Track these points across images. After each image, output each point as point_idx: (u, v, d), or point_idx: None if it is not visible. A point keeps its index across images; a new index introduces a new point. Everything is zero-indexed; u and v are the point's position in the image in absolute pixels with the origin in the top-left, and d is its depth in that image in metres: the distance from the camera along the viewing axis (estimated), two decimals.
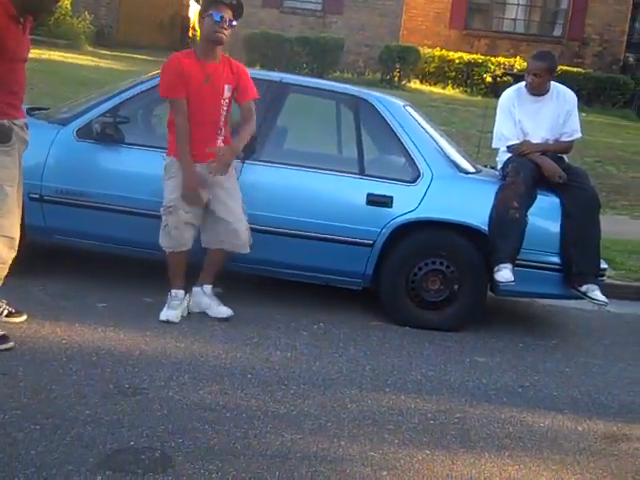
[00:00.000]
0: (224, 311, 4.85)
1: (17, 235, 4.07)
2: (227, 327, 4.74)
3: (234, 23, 4.72)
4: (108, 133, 5.05)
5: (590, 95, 18.61)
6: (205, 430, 3.38)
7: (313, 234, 5.13)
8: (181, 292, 4.84)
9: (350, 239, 5.15)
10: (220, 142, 4.76)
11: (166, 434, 3.29)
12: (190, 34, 27.10)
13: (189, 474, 2.99)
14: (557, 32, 21.11)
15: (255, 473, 3.07)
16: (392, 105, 5.52)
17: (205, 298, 4.91)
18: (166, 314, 4.73)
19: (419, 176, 5.22)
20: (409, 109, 5.67)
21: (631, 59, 22.15)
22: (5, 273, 4.07)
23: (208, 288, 4.94)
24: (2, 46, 3.84)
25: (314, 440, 3.43)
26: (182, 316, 4.77)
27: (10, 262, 4.06)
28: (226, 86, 4.73)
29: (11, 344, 4.00)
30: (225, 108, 4.75)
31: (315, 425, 3.58)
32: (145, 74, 5.70)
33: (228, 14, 4.66)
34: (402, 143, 5.31)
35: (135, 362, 4.03)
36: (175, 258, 4.79)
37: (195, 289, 4.92)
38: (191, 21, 27.98)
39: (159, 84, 4.79)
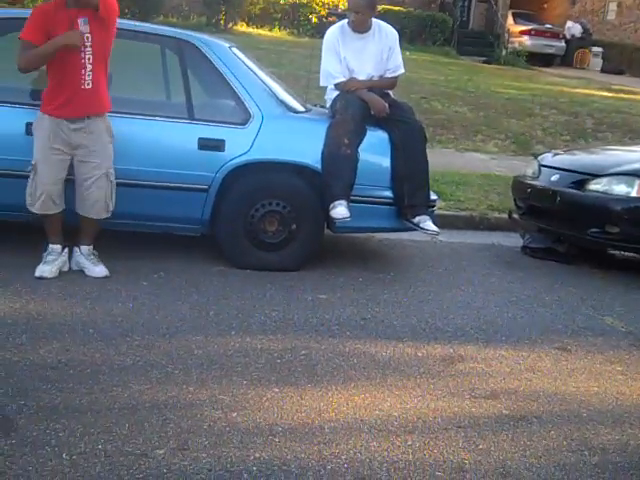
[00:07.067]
0: (99, 271, 4.76)
1: None
2: (65, 283, 4.60)
3: None
4: None
5: (412, 34, 19.10)
6: (48, 389, 3.28)
7: (147, 182, 5.03)
8: (57, 247, 4.72)
9: (184, 185, 5.09)
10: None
11: (6, 397, 3.17)
12: None
13: (34, 435, 2.90)
14: None
15: (104, 427, 3.01)
16: (218, 47, 5.44)
17: (81, 258, 4.80)
18: (41, 269, 4.61)
19: (249, 118, 5.19)
20: (235, 50, 5.60)
21: None
22: None
23: (85, 248, 4.81)
24: None
25: (162, 389, 3.40)
26: (61, 271, 4.70)
27: None
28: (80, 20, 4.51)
29: None
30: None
31: (162, 374, 3.55)
32: None
33: None
34: (230, 85, 5.26)
35: None
36: (44, 219, 4.71)
37: (74, 248, 4.81)
38: None
39: None
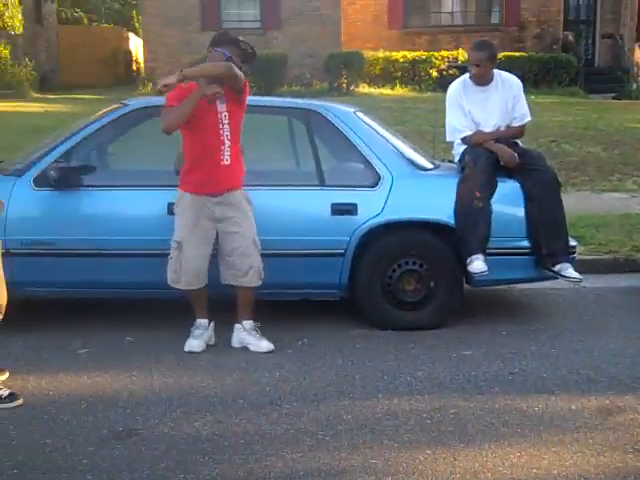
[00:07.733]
0: (264, 346, 4.81)
1: (4, 301, 4.11)
2: (214, 356, 4.73)
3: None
4: (65, 178, 5.03)
5: (536, 77, 18.84)
6: (205, 462, 3.37)
7: (284, 251, 5.13)
8: (204, 321, 4.86)
9: (321, 251, 5.17)
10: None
11: (167, 472, 3.27)
12: (134, 67, 27.01)
13: None
14: (495, 20, 21.43)
15: None
16: (343, 113, 5.56)
17: (244, 334, 4.86)
18: (189, 344, 4.78)
19: (379, 180, 5.25)
20: (360, 114, 5.70)
21: (570, 37, 22.47)
22: None
23: (247, 323, 4.87)
24: None
25: (315, 456, 3.43)
26: (208, 345, 4.84)
27: None
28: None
29: (21, 400, 4.00)
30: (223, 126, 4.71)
31: (313, 441, 3.58)
32: (94, 113, 5.67)
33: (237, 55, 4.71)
34: (358, 149, 5.34)
35: (125, 404, 4.01)
36: (190, 294, 4.85)
37: (236, 325, 4.89)
38: (133, 54, 27.94)
39: None
